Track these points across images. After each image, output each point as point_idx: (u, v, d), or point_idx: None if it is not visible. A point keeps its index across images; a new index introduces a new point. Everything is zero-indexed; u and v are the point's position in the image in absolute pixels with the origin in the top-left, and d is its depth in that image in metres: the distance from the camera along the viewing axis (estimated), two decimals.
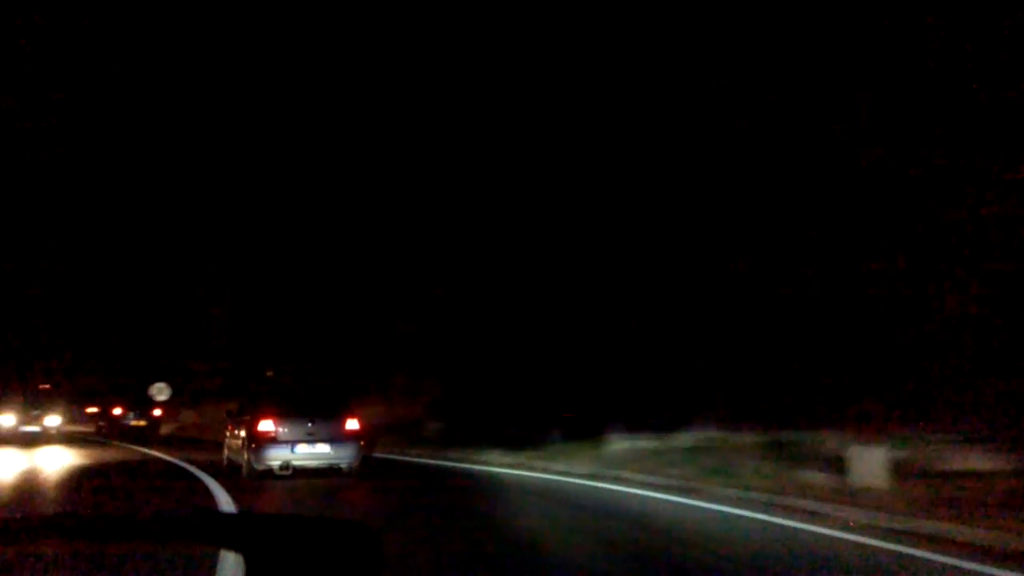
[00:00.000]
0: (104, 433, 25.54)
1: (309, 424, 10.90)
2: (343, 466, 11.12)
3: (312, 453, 10.92)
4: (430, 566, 5.73)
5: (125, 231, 33.23)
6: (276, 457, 10.68)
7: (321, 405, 11.36)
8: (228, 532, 1.27)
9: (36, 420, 23.18)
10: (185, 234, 30.83)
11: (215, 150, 28.41)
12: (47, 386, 32.02)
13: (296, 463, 10.79)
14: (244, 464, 10.84)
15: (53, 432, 22.98)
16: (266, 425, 10.70)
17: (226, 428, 12.78)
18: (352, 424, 11.31)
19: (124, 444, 20.60)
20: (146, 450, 18.23)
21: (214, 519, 1.78)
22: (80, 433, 27.44)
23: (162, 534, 1.41)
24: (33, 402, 24.41)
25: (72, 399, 32.29)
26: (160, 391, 24.53)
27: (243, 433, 11.00)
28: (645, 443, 12.43)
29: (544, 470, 12.29)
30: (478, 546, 6.53)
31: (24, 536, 1.20)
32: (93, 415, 29.23)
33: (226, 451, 12.22)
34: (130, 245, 33.44)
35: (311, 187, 24.97)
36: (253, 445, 10.71)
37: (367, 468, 11.70)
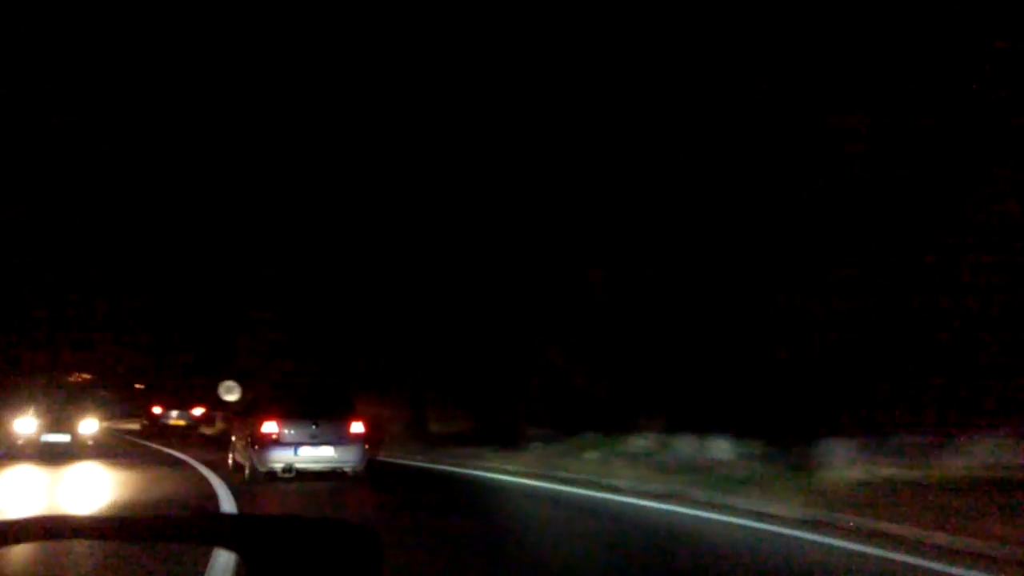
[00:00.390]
0: (150, 434, 23.64)
1: (313, 426, 10.69)
2: (347, 469, 10.89)
3: (315, 456, 10.67)
4: None
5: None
6: (279, 459, 10.46)
7: (326, 407, 11.16)
8: (227, 533, 1.30)
9: (65, 425, 15.54)
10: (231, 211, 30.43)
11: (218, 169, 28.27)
12: (84, 376, 27.62)
13: (299, 465, 10.55)
14: (247, 465, 10.71)
15: (89, 442, 15.64)
16: (269, 426, 10.50)
17: (233, 427, 12.62)
18: (357, 427, 11.04)
19: (174, 453, 16.26)
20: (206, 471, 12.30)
21: (213, 519, 1.77)
22: (124, 434, 24.74)
23: (161, 534, 1.46)
24: (64, 399, 17.06)
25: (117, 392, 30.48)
26: (229, 390, 22.33)
27: (248, 433, 10.89)
28: (892, 471, 7.86)
29: (718, 507, 7.69)
30: None
31: (21, 539, 1.19)
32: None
33: (232, 451, 12.14)
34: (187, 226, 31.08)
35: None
36: (256, 446, 10.54)
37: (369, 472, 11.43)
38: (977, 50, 10.24)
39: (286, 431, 10.40)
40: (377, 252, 20.59)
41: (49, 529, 1.22)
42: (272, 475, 10.34)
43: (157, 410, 25.57)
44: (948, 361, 10.23)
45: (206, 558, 4.57)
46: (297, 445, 10.41)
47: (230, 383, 20.68)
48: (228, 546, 1.31)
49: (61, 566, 4.71)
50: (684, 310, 13.88)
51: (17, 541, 1.18)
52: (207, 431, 24.27)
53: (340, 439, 10.72)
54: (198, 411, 25.83)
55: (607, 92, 15.14)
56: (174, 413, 25.69)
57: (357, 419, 10.99)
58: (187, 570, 4.51)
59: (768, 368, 12.33)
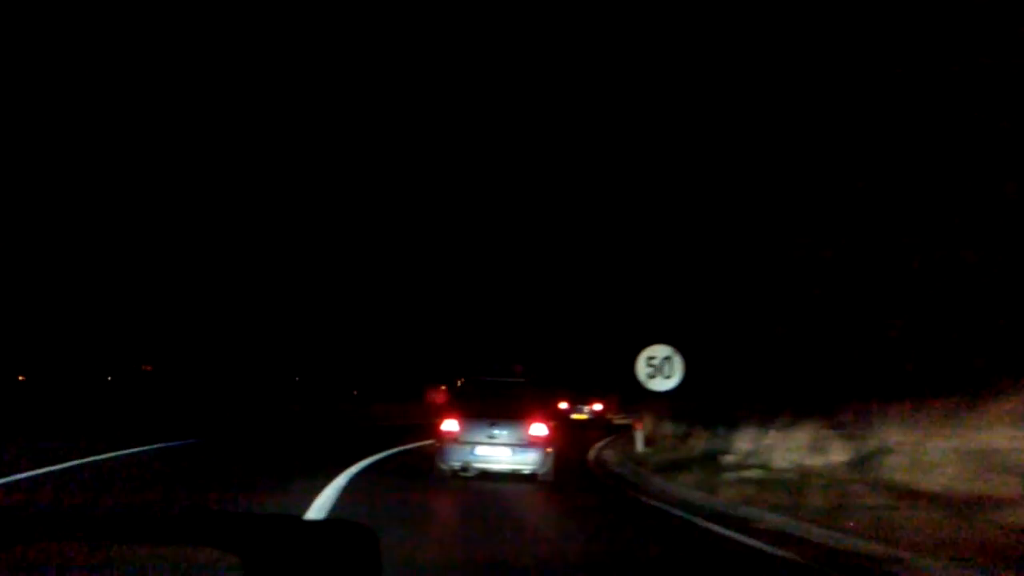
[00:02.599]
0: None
1: (491, 427, 10.55)
2: (526, 471, 10.43)
3: (492, 457, 10.51)
4: None
5: None
6: (457, 458, 10.62)
7: (508, 408, 10.81)
8: (225, 532, 1.32)
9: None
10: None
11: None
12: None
13: (476, 465, 10.55)
14: (435, 462, 11.06)
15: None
16: (449, 425, 10.76)
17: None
18: (538, 430, 10.49)
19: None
20: None
21: (211, 519, 1.76)
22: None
23: (160, 534, 1.49)
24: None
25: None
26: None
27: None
28: None
29: None
30: None
31: (20, 534, 1.25)
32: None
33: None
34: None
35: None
36: (438, 444, 10.90)
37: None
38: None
39: (465, 431, 10.51)
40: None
41: (47, 529, 1.22)
42: (454, 473, 10.57)
43: (563, 405, 28.23)
44: None
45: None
46: (474, 445, 10.44)
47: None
48: (226, 546, 1.29)
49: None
50: None
51: (18, 541, 1.20)
52: (618, 420, 26.76)
53: (519, 441, 10.42)
54: (597, 407, 28.07)
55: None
56: (577, 408, 28.47)
57: (539, 421, 10.48)
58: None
59: None
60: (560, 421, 26.92)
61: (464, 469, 10.56)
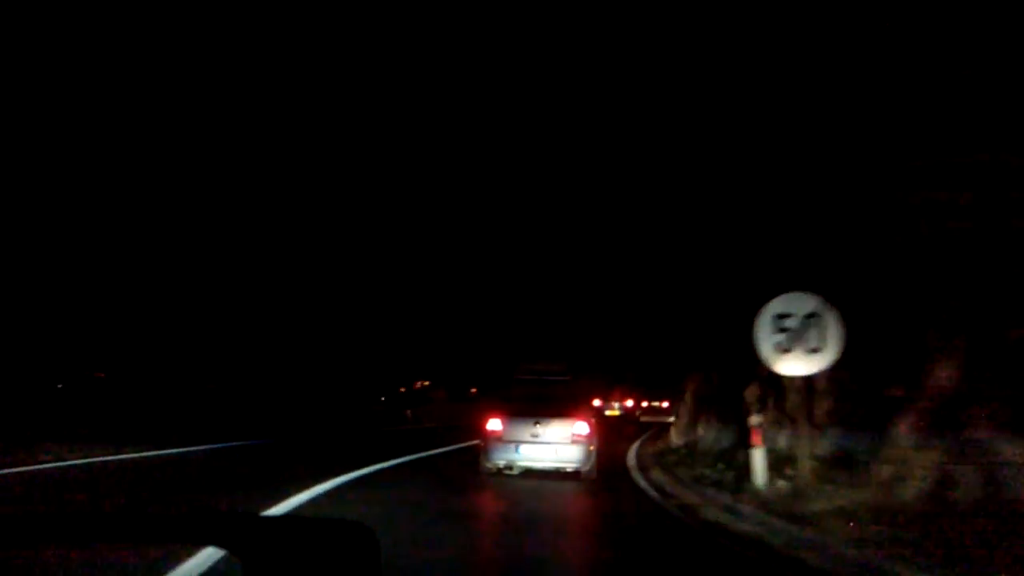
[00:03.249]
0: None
1: (535, 425, 10.81)
2: (570, 469, 10.68)
3: (536, 455, 10.76)
4: None
5: None
6: (501, 456, 10.87)
7: (552, 406, 11.06)
8: (225, 532, 1.32)
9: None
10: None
11: None
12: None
13: (521, 463, 10.81)
14: (480, 460, 11.34)
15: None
16: (493, 424, 11.02)
17: None
18: (581, 428, 10.73)
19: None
20: None
21: (211, 519, 1.58)
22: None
23: (159, 534, 1.49)
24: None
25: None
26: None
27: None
28: None
29: None
30: None
31: (17, 535, 1.24)
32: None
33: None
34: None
35: None
36: (482, 443, 11.19)
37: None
38: None
39: (509, 429, 10.79)
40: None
41: (43, 529, 1.25)
42: (499, 471, 10.86)
43: (597, 402, 28.75)
44: None
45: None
46: (519, 443, 10.72)
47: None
48: (223, 545, 1.30)
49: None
50: None
51: (16, 541, 1.21)
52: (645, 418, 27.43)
53: (562, 439, 10.66)
54: (629, 403, 28.96)
55: None
56: (614, 404, 29.46)
57: (582, 419, 10.73)
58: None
59: None
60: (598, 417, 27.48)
61: (509, 467, 10.84)
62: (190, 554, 4.76)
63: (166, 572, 4.58)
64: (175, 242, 32.14)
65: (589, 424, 10.88)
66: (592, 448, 10.82)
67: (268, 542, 1.17)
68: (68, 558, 4.45)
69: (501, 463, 10.85)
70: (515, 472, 10.88)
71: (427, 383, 39.97)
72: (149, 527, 1.34)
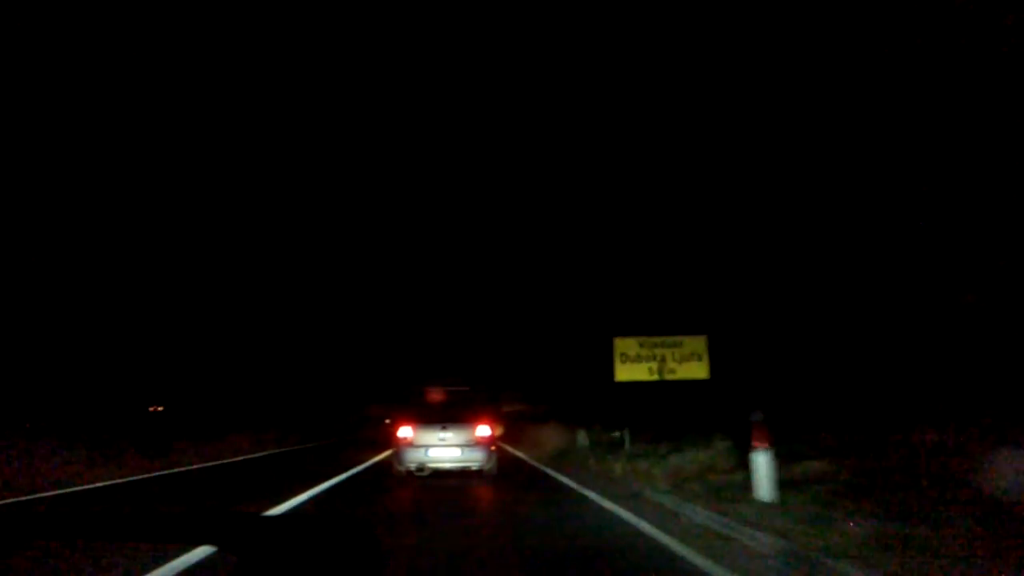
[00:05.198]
0: None
1: (442, 431, 12.31)
2: (474, 468, 12.25)
3: (444, 457, 12.27)
4: None
5: None
6: (412, 460, 12.33)
7: (455, 414, 12.62)
8: (224, 532, 1.31)
9: None
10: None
11: None
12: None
13: (431, 465, 12.30)
14: (392, 464, 12.77)
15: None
16: (404, 432, 12.43)
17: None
18: (483, 431, 12.32)
19: None
20: None
21: (210, 519, 1.72)
22: None
23: (159, 533, 1.47)
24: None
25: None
26: None
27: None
28: None
29: None
30: None
31: (19, 532, 1.23)
32: None
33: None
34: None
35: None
36: (395, 449, 12.62)
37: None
38: None
39: (418, 435, 12.21)
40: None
41: (49, 529, 1.23)
42: (411, 472, 12.27)
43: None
44: None
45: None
46: (428, 447, 12.16)
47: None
48: (225, 545, 1.27)
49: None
50: None
51: (17, 538, 1.25)
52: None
53: (467, 442, 12.16)
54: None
55: None
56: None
57: (483, 424, 12.27)
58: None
59: None
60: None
61: (420, 469, 12.28)
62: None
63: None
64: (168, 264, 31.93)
65: (490, 428, 12.49)
66: (493, 448, 12.40)
67: (269, 542, 1.15)
68: (63, 558, 4.81)
69: (412, 466, 12.25)
70: (425, 473, 12.35)
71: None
72: (150, 526, 1.35)
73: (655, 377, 15.52)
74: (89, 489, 11.49)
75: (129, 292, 30.51)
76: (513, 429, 27.95)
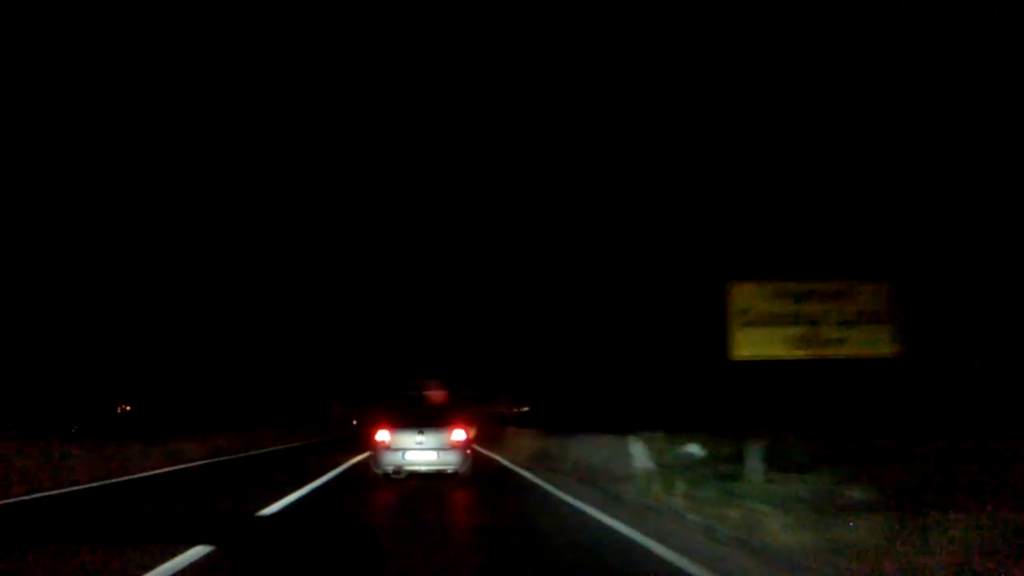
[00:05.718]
0: None
1: (419, 435, 12.63)
2: (450, 471, 12.59)
3: (420, 460, 12.59)
4: None
5: None
6: (390, 462, 12.63)
7: (431, 418, 12.96)
8: (224, 532, 1.41)
9: None
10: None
11: None
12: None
13: (407, 468, 12.61)
14: (370, 467, 13.07)
15: None
16: (382, 435, 12.73)
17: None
18: (458, 435, 12.67)
19: None
20: None
21: (210, 519, 1.76)
22: None
23: (160, 533, 1.66)
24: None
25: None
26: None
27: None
28: None
29: None
30: None
31: (19, 530, 1.41)
32: None
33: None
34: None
35: None
36: (372, 452, 12.92)
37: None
38: None
39: (396, 438, 12.52)
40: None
41: (44, 525, 1.86)
42: (387, 475, 12.56)
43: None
44: None
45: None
46: (405, 450, 12.47)
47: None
48: (224, 545, 1.42)
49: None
50: None
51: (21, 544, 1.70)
52: None
53: (443, 446, 12.49)
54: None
55: None
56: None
57: (459, 428, 12.62)
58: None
59: None
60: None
61: (397, 471, 12.59)
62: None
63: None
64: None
65: (466, 432, 12.83)
66: (468, 452, 12.77)
67: (268, 542, 1.16)
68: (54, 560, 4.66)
69: (390, 468, 12.55)
70: (402, 476, 12.65)
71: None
72: (151, 526, 1.66)
73: (803, 352, 9.57)
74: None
75: (103, 293, 30.37)
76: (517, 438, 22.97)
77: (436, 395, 13.43)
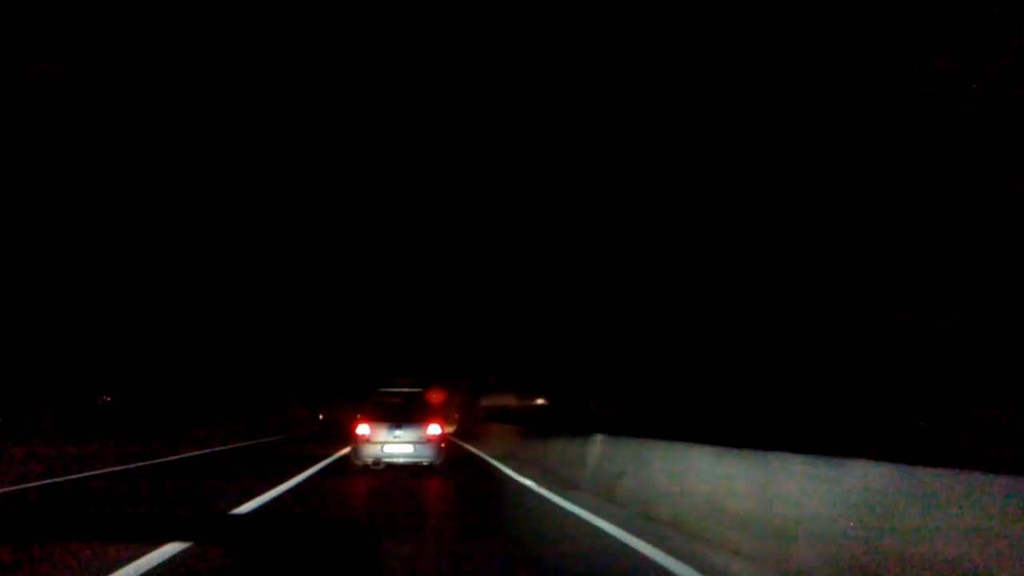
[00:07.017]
0: None
1: (396, 429, 12.93)
2: (425, 463, 12.92)
3: (397, 452, 12.93)
4: None
5: None
6: (369, 455, 12.96)
7: (408, 414, 13.28)
8: (225, 532, 1.31)
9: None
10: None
11: None
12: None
13: (385, 460, 12.94)
14: (351, 458, 13.40)
15: None
16: (362, 429, 13.05)
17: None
18: (434, 429, 13.00)
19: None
20: None
21: (209, 519, 1.75)
22: None
23: (158, 533, 1.47)
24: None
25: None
26: None
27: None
28: None
29: None
30: None
31: (19, 533, 1.21)
32: None
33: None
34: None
35: None
36: (353, 445, 13.21)
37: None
38: None
39: (375, 432, 12.80)
40: None
41: (46, 529, 1.22)
42: (366, 466, 12.84)
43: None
44: None
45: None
46: (383, 444, 12.74)
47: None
48: (225, 545, 1.28)
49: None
50: None
51: (18, 539, 1.26)
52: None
53: (419, 440, 12.79)
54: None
55: None
56: None
57: (434, 423, 12.91)
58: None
59: None
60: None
61: (376, 463, 12.89)
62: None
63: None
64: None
65: (440, 426, 13.13)
66: (443, 446, 13.11)
67: (268, 542, 1.15)
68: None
69: (369, 460, 12.89)
70: (380, 467, 12.93)
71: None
72: (149, 526, 1.35)
73: None
74: None
75: (95, 284, 30.30)
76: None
77: (414, 393, 13.74)
